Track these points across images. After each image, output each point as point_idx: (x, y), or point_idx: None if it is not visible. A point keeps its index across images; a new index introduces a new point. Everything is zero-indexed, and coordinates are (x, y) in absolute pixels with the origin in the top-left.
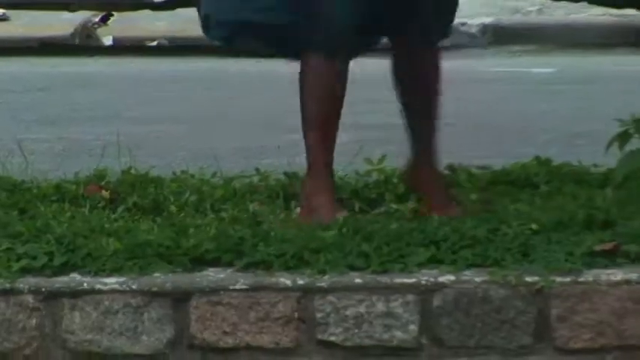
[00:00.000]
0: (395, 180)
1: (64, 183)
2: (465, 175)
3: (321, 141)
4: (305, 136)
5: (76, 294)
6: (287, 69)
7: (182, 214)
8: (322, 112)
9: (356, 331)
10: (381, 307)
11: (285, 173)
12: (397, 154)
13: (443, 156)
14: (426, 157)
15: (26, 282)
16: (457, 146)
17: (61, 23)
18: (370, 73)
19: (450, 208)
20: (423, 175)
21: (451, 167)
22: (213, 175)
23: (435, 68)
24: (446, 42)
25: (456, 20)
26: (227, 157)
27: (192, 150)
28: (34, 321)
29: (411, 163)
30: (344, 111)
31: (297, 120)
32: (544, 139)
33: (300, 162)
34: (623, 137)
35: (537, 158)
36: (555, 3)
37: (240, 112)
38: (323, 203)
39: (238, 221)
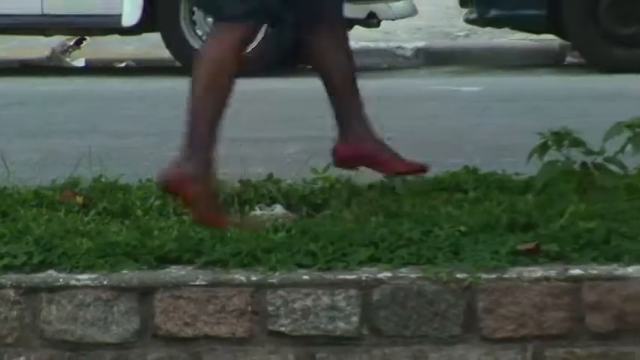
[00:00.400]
0: (338, 186)
1: (42, 189)
2: (400, 182)
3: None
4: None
5: (52, 289)
6: (242, 87)
7: (147, 218)
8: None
9: (303, 322)
10: (326, 300)
11: (240, 181)
12: None
13: None
14: (365, 129)
15: (8, 278)
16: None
17: (39, 47)
18: (320, 92)
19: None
20: (368, 148)
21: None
22: None
23: (347, 44)
24: (383, 64)
25: (393, 44)
26: None
27: (157, 160)
28: (14, 313)
29: (350, 139)
30: (296, 124)
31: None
32: (472, 150)
33: (252, 172)
34: (542, 149)
35: (466, 167)
36: (481, 28)
37: None
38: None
39: (198, 225)
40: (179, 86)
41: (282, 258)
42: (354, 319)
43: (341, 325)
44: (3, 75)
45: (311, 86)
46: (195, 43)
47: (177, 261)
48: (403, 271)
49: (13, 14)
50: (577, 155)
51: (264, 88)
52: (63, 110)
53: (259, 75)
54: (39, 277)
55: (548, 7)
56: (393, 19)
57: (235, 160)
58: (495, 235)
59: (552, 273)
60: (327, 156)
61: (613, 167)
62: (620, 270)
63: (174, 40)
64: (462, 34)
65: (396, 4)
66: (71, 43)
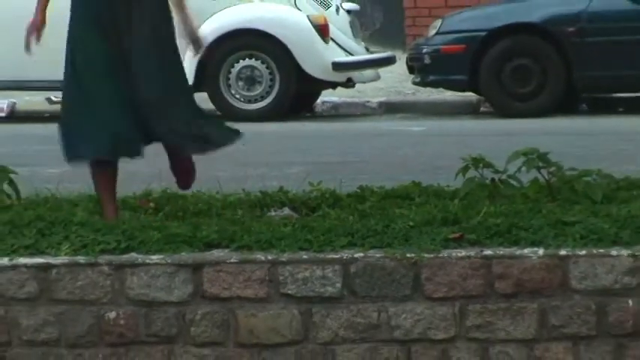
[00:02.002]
0: (327, 195)
1: (127, 198)
2: (369, 192)
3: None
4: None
5: (134, 265)
6: (259, 128)
7: (198, 217)
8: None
9: (303, 287)
10: (319, 272)
11: (260, 191)
12: (329, 180)
13: (360, 181)
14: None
15: (103, 258)
16: (367, 175)
17: None
18: (313, 132)
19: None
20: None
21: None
22: (216, 193)
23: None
24: (357, 112)
25: (363, 99)
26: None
27: (199, 179)
28: (108, 282)
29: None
30: (297, 153)
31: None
32: (417, 170)
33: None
34: (464, 169)
35: (413, 182)
36: (423, 88)
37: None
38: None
39: (231, 221)
40: None
41: (289, 244)
42: (338, 285)
43: (329, 289)
44: None
45: (308, 129)
46: (230, 99)
47: (217, 246)
48: (371, 253)
49: None
50: (488, 174)
51: (272, 129)
52: None
53: (272, 120)
54: (125, 257)
55: (469, 73)
56: (363, 82)
57: (256, 178)
58: (433, 228)
59: (472, 253)
60: (319, 175)
61: (513, 182)
62: (518, 251)
63: (217, 96)
64: (410, 92)
65: (366, 72)
66: None
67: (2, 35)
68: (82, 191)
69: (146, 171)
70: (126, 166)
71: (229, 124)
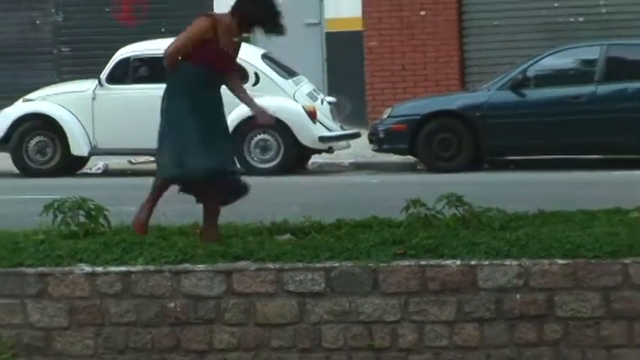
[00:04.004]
0: (315, 225)
1: (184, 227)
2: (343, 223)
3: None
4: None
5: (187, 272)
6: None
7: (230, 239)
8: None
9: (300, 286)
10: (310, 276)
11: (271, 222)
12: (316, 214)
13: (337, 215)
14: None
15: (165, 267)
16: (341, 212)
17: None
18: (306, 184)
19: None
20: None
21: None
22: (241, 223)
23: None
24: (334, 169)
25: (339, 160)
26: (247, 217)
27: (230, 213)
28: (168, 283)
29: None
30: (295, 196)
31: None
32: (376, 208)
33: (273, 218)
34: (407, 207)
35: (373, 216)
36: (379, 153)
37: None
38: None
39: (251, 242)
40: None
41: (290, 257)
42: (322, 284)
43: (316, 287)
44: None
45: (303, 181)
46: (250, 161)
47: (242, 258)
48: (344, 263)
49: None
50: (423, 210)
51: (279, 181)
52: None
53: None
54: (180, 266)
55: (409, 143)
56: (339, 149)
57: (268, 214)
58: (386, 247)
59: (412, 263)
60: (310, 211)
61: (439, 215)
62: (442, 262)
63: (240, 158)
64: (370, 156)
65: (341, 143)
66: None
67: (120, 118)
68: (152, 224)
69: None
70: (180, 207)
71: (249, 178)
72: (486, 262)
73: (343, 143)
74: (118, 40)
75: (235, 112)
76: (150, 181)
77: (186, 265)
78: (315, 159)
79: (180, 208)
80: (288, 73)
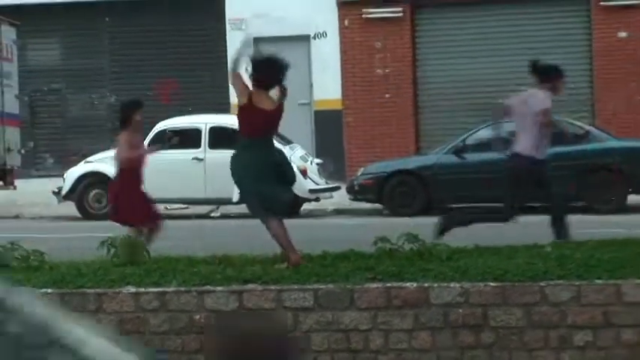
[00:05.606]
0: (306, 257)
1: (206, 257)
2: (328, 255)
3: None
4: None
5: (208, 292)
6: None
7: (242, 266)
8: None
9: (294, 302)
10: (301, 295)
11: (274, 254)
12: (307, 249)
13: (322, 248)
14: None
15: (193, 289)
16: (326, 246)
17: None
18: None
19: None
20: None
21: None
22: (250, 254)
23: None
24: (319, 214)
25: (324, 207)
26: (255, 249)
27: (243, 245)
28: (195, 300)
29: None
30: (290, 233)
31: None
32: (352, 243)
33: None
34: (375, 243)
35: (351, 250)
36: (355, 202)
37: None
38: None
39: (258, 268)
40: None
41: (287, 281)
42: (312, 302)
43: (306, 303)
44: None
45: (297, 223)
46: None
47: (251, 282)
48: (328, 285)
49: None
50: (388, 245)
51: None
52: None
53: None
54: (204, 288)
55: (377, 195)
56: (324, 199)
57: (271, 247)
58: (360, 272)
59: (380, 285)
60: (302, 247)
61: (400, 249)
62: (403, 284)
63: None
64: (348, 203)
65: (325, 194)
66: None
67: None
68: (181, 254)
69: (215, 242)
70: (204, 242)
71: (253, 221)
72: (436, 285)
73: (327, 194)
74: (158, 116)
75: None
76: (180, 223)
77: (208, 287)
78: (306, 206)
79: (204, 244)
80: (285, 141)
